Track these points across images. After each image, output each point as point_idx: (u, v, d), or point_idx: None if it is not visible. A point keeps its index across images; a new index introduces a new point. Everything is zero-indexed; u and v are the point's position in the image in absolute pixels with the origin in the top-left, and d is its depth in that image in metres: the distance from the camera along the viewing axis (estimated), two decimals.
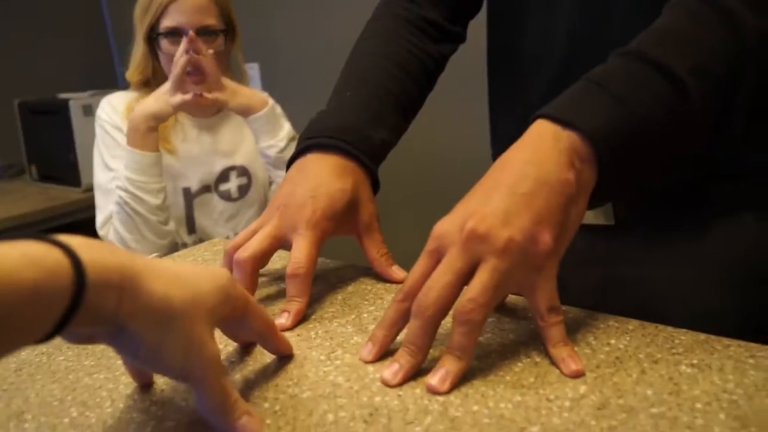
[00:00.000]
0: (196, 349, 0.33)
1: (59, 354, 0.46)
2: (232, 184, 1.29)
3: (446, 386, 0.38)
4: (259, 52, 2.10)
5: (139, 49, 1.23)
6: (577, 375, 0.38)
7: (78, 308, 0.27)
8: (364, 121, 0.58)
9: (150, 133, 1.12)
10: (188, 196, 1.25)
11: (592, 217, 0.58)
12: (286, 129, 1.23)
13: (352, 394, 0.38)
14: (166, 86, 1.13)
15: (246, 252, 0.51)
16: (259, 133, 1.20)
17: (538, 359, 0.41)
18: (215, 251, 0.69)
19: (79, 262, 0.27)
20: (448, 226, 0.42)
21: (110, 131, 1.22)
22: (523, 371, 0.39)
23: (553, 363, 0.40)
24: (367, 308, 0.50)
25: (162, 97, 1.12)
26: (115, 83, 2.62)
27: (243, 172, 1.30)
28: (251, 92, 1.21)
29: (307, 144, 0.57)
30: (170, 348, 0.32)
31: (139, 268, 0.31)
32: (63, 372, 0.44)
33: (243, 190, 1.30)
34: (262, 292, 0.55)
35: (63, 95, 2.09)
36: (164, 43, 1.18)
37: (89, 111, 2.03)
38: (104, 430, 0.36)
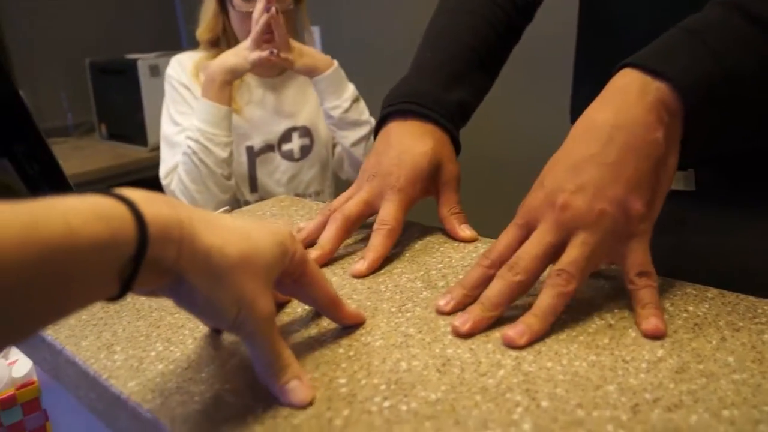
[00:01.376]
0: (247, 303, 0.33)
1: None
2: (295, 145, 1.31)
3: (523, 340, 0.38)
4: (321, 15, 2.10)
5: (209, 8, 1.25)
6: (657, 332, 0.38)
7: (142, 262, 0.28)
8: (440, 84, 0.59)
9: (225, 87, 1.15)
10: (251, 154, 1.28)
11: (673, 182, 0.56)
12: (350, 90, 1.24)
13: (424, 345, 0.39)
14: (246, 43, 1.15)
15: (342, 212, 0.53)
16: (324, 93, 1.21)
17: (612, 322, 0.40)
18: (282, 206, 0.70)
19: (142, 218, 0.28)
20: (538, 201, 0.42)
21: (177, 88, 1.26)
22: (597, 333, 0.39)
23: (636, 323, 0.39)
24: (436, 266, 0.51)
25: (241, 53, 1.15)
26: (180, 45, 2.68)
27: (305, 132, 1.31)
28: (316, 53, 1.22)
29: (387, 111, 0.59)
30: (223, 301, 0.32)
31: (197, 222, 0.31)
32: (147, 310, 0.46)
33: (305, 150, 1.32)
34: (346, 249, 0.56)
35: (131, 56, 2.15)
36: (237, 1, 1.20)
37: (156, 71, 2.09)
38: (188, 364, 0.38)
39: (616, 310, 0.41)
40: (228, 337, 0.41)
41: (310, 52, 1.21)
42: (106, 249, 0.26)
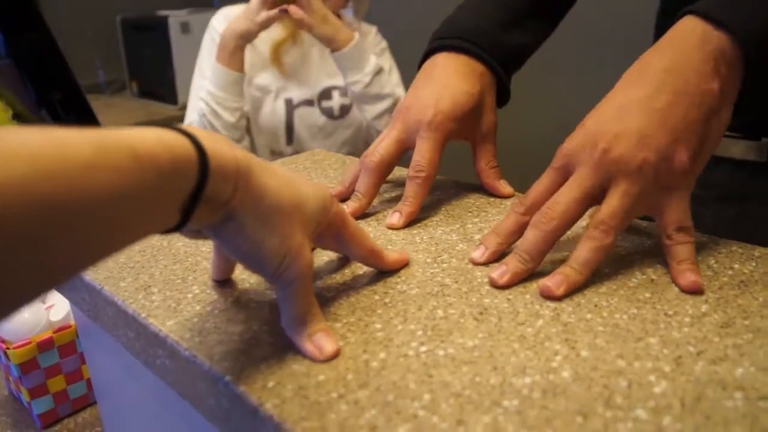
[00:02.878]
0: (293, 252, 0.32)
1: (177, 240, 0.49)
2: (335, 103, 1.31)
3: (561, 291, 0.37)
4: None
5: None
6: (696, 288, 0.37)
7: (202, 193, 0.28)
8: (499, 23, 0.56)
9: (237, 52, 1.15)
10: (289, 106, 1.29)
11: (742, 152, 0.54)
12: (371, 64, 1.21)
13: (460, 294, 0.38)
14: (254, 3, 1.13)
15: (373, 157, 0.52)
16: (344, 69, 1.20)
17: (654, 277, 0.39)
18: (315, 160, 0.70)
19: (204, 150, 0.28)
20: (578, 145, 0.40)
21: (217, 39, 1.24)
22: (638, 287, 0.38)
23: (672, 279, 0.38)
24: (471, 219, 0.50)
25: (249, 15, 1.13)
26: (211, 2, 2.66)
27: (345, 92, 1.31)
28: (341, 25, 1.18)
29: (437, 44, 0.56)
30: (270, 245, 0.32)
31: (253, 163, 0.31)
32: (183, 255, 0.46)
33: (344, 109, 1.32)
34: (379, 197, 0.56)
35: (162, 12, 2.14)
36: None
37: (186, 28, 2.08)
38: (226, 306, 0.38)
39: (657, 266, 0.40)
40: (265, 284, 0.41)
41: (334, 21, 1.16)
42: (170, 178, 0.26)
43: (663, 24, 0.65)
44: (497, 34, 0.55)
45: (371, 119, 1.26)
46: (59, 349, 0.66)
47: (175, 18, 2.07)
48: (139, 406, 0.54)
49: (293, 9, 1.12)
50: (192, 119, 1.24)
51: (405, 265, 0.42)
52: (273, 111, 1.27)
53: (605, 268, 0.40)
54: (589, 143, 0.39)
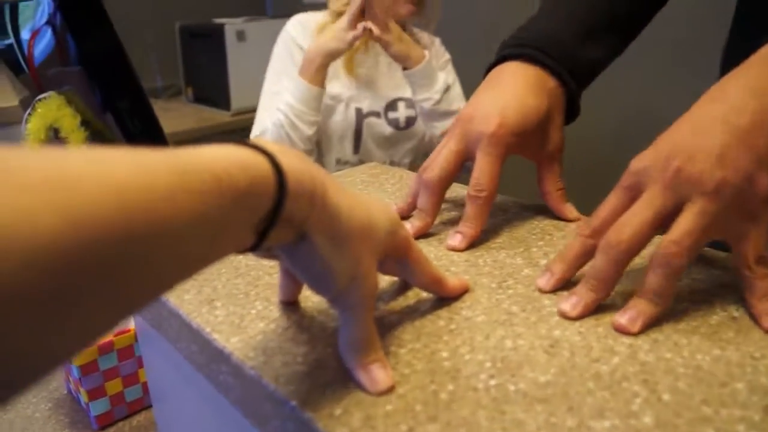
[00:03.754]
0: (361, 275, 0.32)
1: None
2: (401, 114, 1.33)
3: (637, 327, 0.35)
4: None
5: None
6: None
7: (280, 214, 0.27)
8: (576, 36, 0.53)
9: (322, 69, 1.18)
10: (359, 115, 1.31)
11: None
12: (440, 81, 1.24)
13: (529, 324, 0.37)
14: (343, 23, 1.17)
15: (432, 172, 0.50)
16: (415, 86, 1.24)
17: (736, 314, 0.37)
18: (372, 174, 0.70)
19: (281, 169, 0.27)
20: (649, 162, 0.38)
21: (291, 47, 1.28)
22: (721, 325, 0.36)
23: (754, 318, 0.36)
24: (536, 243, 0.49)
25: (339, 35, 1.17)
26: (265, 11, 2.71)
27: (411, 104, 1.33)
28: (413, 43, 1.22)
29: (507, 52, 0.53)
30: (340, 267, 0.31)
31: (327, 181, 0.31)
32: (245, 269, 0.46)
33: (410, 121, 1.34)
34: (441, 216, 0.55)
35: (219, 20, 2.19)
36: None
37: (242, 36, 2.12)
38: (289, 324, 0.38)
39: (740, 302, 0.38)
40: (323, 302, 0.41)
41: (408, 40, 1.21)
42: (247, 198, 0.26)
43: (728, 58, 0.62)
44: (572, 46, 0.53)
45: (439, 135, 1.28)
46: (118, 353, 0.67)
47: (231, 26, 2.11)
48: (194, 413, 0.54)
49: (374, 28, 1.16)
50: (265, 127, 1.26)
51: (466, 292, 0.41)
52: (344, 119, 1.30)
53: (682, 303, 0.38)
54: (661, 161, 0.37)
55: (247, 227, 0.27)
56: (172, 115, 2.38)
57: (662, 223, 0.37)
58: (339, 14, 1.27)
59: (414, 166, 1.37)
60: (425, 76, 1.22)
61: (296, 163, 0.29)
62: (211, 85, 2.27)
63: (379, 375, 0.32)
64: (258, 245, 0.28)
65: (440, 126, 1.28)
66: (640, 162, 0.39)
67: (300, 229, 0.29)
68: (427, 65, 1.21)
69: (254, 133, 1.29)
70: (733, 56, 0.61)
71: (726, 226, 0.37)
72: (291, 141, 1.21)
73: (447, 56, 1.36)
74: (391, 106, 1.33)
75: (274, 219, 0.27)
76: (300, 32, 1.29)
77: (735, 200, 0.36)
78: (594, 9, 0.55)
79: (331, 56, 1.18)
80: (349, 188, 0.34)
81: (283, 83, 1.26)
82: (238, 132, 2.24)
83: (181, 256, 0.23)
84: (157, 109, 2.25)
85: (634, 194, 0.38)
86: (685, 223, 0.36)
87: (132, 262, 0.20)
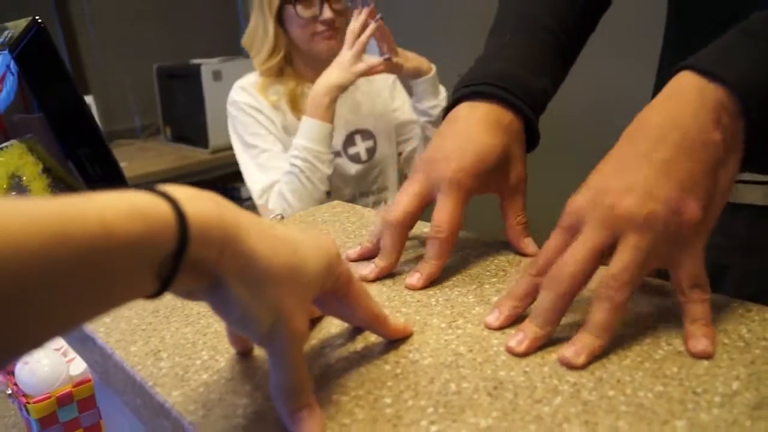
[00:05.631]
0: (284, 319, 0.31)
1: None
2: (360, 147, 1.33)
3: (581, 360, 0.35)
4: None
5: (268, 32, 1.25)
6: (705, 356, 0.35)
7: (182, 260, 0.27)
8: (524, 69, 0.54)
9: (332, 104, 1.17)
10: None
11: (760, 198, 0.52)
12: (443, 90, 1.28)
13: (475, 366, 0.37)
14: (347, 56, 1.16)
15: (392, 214, 0.50)
16: (425, 94, 1.25)
17: (681, 348, 0.37)
18: (334, 213, 0.70)
19: (183, 215, 0.27)
20: (583, 202, 0.39)
21: (248, 111, 1.26)
22: (665, 360, 0.36)
23: (684, 341, 0.37)
24: (489, 279, 0.49)
25: (344, 67, 1.16)
26: (240, 51, 2.74)
27: (368, 135, 1.34)
28: (415, 55, 1.24)
29: (461, 93, 0.54)
30: (259, 312, 0.30)
31: (244, 224, 0.30)
32: (195, 317, 0.46)
33: (370, 152, 1.34)
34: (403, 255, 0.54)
35: (195, 61, 2.21)
36: (299, 9, 1.21)
37: (218, 76, 2.14)
38: (232, 375, 0.37)
39: None
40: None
41: (411, 55, 1.23)
42: (142, 246, 0.25)
43: (661, 78, 0.63)
44: (524, 77, 0.54)
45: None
46: (78, 404, 0.66)
47: (207, 66, 2.13)
48: None
49: (390, 54, 1.17)
50: (271, 182, 1.22)
51: (408, 335, 0.40)
52: None
53: (628, 337, 0.38)
54: (595, 201, 0.38)
55: (146, 273, 0.26)
56: (151, 155, 2.38)
57: (601, 257, 0.38)
58: (274, 73, 1.28)
59: (387, 193, 1.38)
60: (434, 84, 1.25)
61: (205, 208, 0.28)
62: (189, 124, 2.28)
63: (306, 423, 0.31)
64: (162, 291, 0.28)
65: None
66: (575, 203, 0.40)
67: (212, 274, 0.29)
68: (434, 73, 1.24)
69: (256, 194, 1.24)
70: (668, 63, 0.62)
71: (661, 256, 0.37)
72: (312, 185, 1.17)
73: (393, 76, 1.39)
74: (348, 141, 1.32)
75: (177, 265, 0.27)
76: (245, 95, 1.28)
77: (665, 230, 0.37)
78: (542, 38, 0.56)
79: (339, 89, 1.16)
80: (283, 228, 0.34)
81: (265, 144, 1.25)
82: (217, 168, 2.25)
83: (71, 298, 0.24)
84: (136, 149, 2.29)
85: (573, 233, 0.39)
86: (621, 259, 0.37)
87: (17, 299, 0.21)
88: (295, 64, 1.30)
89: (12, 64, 0.71)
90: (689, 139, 0.37)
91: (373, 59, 1.18)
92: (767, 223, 0.54)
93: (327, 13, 1.23)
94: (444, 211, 0.49)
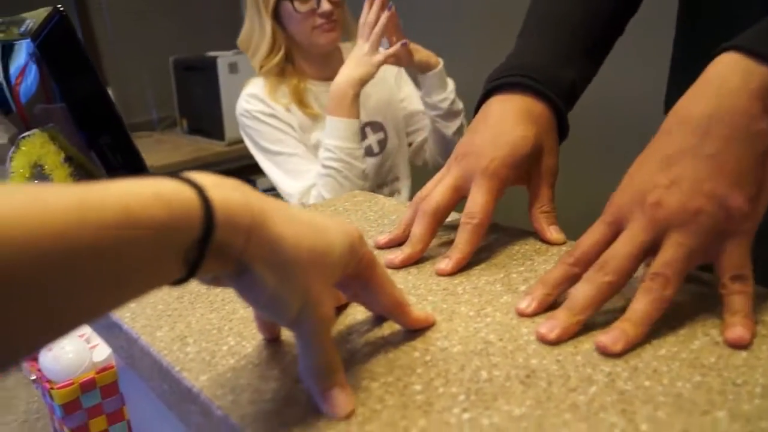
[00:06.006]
0: (311, 303, 0.31)
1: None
2: (372, 140, 1.31)
3: (619, 347, 0.35)
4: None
5: (265, 30, 1.22)
6: (740, 343, 0.35)
7: (208, 246, 0.27)
8: (554, 60, 0.54)
9: (356, 99, 1.14)
10: None
11: None
12: (452, 82, 1.25)
13: (506, 354, 0.36)
14: (364, 49, 1.13)
15: (430, 203, 0.50)
16: (433, 87, 1.23)
17: (718, 339, 0.36)
18: (355, 202, 0.69)
19: (209, 202, 0.27)
20: (627, 199, 0.39)
21: (266, 120, 1.24)
22: (702, 350, 0.35)
23: (723, 329, 0.36)
24: (517, 268, 0.48)
25: (364, 60, 1.13)
26: None
27: (378, 127, 1.32)
28: (423, 48, 1.22)
29: (492, 86, 0.54)
30: (287, 297, 0.30)
31: (270, 210, 0.30)
32: (220, 303, 0.45)
33: (382, 144, 1.32)
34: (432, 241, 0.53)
35: (211, 53, 2.21)
36: (296, 4, 1.19)
37: (234, 68, 2.14)
38: (260, 360, 0.37)
39: (722, 326, 0.37)
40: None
41: (419, 47, 1.20)
42: (167, 233, 0.25)
43: (673, 96, 0.63)
44: (554, 69, 0.54)
45: (451, 135, 1.27)
46: (101, 390, 0.66)
47: (223, 59, 2.13)
48: None
49: (404, 40, 1.15)
50: (300, 189, 1.19)
51: (430, 326, 0.40)
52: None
53: (664, 328, 0.37)
54: (639, 198, 0.38)
55: (172, 259, 0.26)
56: (167, 147, 2.39)
57: (646, 255, 0.37)
58: (275, 74, 1.25)
59: (399, 183, 1.36)
60: (441, 77, 1.23)
61: (231, 195, 0.28)
62: (205, 116, 2.28)
63: (338, 400, 0.31)
64: (189, 277, 0.27)
65: (453, 125, 1.27)
66: (620, 198, 0.39)
67: (239, 260, 0.29)
68: (442, 66, 1.22)
69: (296, 198, 1.21)
70: (680, 61, 0.61)
71: (707, 250, 0.37)
72: (350, 182, 1.14)
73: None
74: (361, 134, 1.27)
75: (203, 251, 0.27)
76: (256, 103, 1.24)
77: (712, 226, 0.36)
78: (569, 36, 0.56)
79: (361, 84, 1.13)
80: (307, 212, 0.33)
81: (289, 149, 1.23)
82: (234, 160, 2.25)
83: (94, 286, 0.23)
84: (153, 141, 2.30)
85: (616, 228, 0.39)
86: (667, 254, 0.36)
87: (40, 289, 0.21)
88: (296, 61, 1.28)
89: (34, 52, 0.71)
90: (736, 130, 0.36)
91: (389, 49, 1.16)
92: None
93: (325, 6, 1.20)
94: (478, 199, 0.49)
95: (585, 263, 0.39)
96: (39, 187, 0.22)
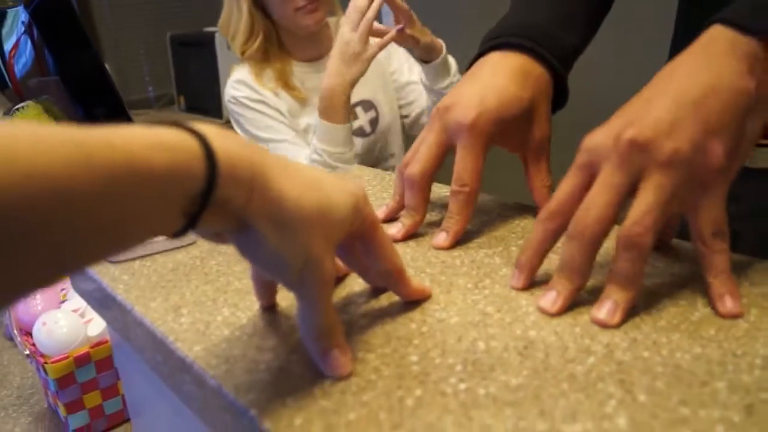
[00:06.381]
0: (314, 260, 0.30)
1: (210, 258, 0.48)
2: (363, 120, 1.27)
3: (616, 319, 0.34)
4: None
5: (242, 13, 1.17)
6: (734, 316, 0.34)
7: (210, 199, 0.26)
8: (556, 21, 0.52)
9: (348, 102, 1.06)
10: None
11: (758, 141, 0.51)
12: (454, 63, 1.17)
13: (504, 325, 0.36)
14: (352, 43, 1.01)
15: (414, 167, 0.48)
16: (438, 75, 1.14)
17: None
18: (353, 176, 0.68)
19: (212, 152, 0.26)
20: (602, 137, 0.37)
21: (255, 106, 1.21)
22: (702, 322, 0.35)
23: (710, 298, 0.36)
24: (516, 241, 0.47)
25: (353, 58, 1.01)
26: None
27: (369, 106, 1.28)
28: (427, 30, 1.10)
29: (489, 45, 0.52)
30: (289, 255, 0.29)
31: (272, 166, 0.29)
32: (214, 275, 0.45)
33: (374, 123, 1.28)
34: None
35: (209, 29, 2.19)
36: None
37: None
38: (254, 331, 0.37)
39: None
40: (293, 307, 0.39)
41: (425, 29, 1.08)
42: (168, 180, 0.25)
43: (678, 39, 0.61)
44: (554, 32, 0.52)
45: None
46: (96, 365, 0.66)
47: (221, 34, 2.10)
48: (170, 427, 0.53)
49: (404, 24, 1.03)
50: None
51: (427, 298, 0.39)
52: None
53: (663, 299, 0.37)
54: (613, 134, 0.36)
55: (172, 208, 0.26)
56: None
57: (625, 198, 0.36)
58: (249, 56, 1.20)
59: (396, 159, 1.33)
60: (445, 62, 1.13)
61: (233, 148, 0.27)
62: (203, 93, 2.26)
63: (337, 361, 0.31)
64: (187, 228, 0.27)
65: None
66: (593, 139, 0.37)
67: (240, 215, 0.28)
68: (446, 54, 1.12)
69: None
70: (681, 40, 0.60)
71: (683, 198, 0.36)
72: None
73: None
74: (352, 115, 1.24)
75: (205, 203, 0.26)
76: (243, 89, 1.21)
77: (690, 171, 0.35)
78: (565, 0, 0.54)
79: (353, 84, 1.04)
80: (310, 169, 0.33)
81: (279, 135, 1.19)
82: None
83: (92, 228, 0.23)
84: (150, 119, 2.29)
85: (590, 172, 0.37)
86: (643, 201, 0.35)
87: (34, 229, 0.21)
88: (283, 42, 1.23)
89: (27, 20, 0.70)
90: (722, 82, 0.36)
91: (384, 38, 1.04)
92: None
93: None
94: (465, 163, 0.47)
95: (562, 215, 0.38)
96: (38, 125, 0.21)
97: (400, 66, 1.32)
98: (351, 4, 1.01)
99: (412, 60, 1.29)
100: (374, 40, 1.05)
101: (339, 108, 1.05)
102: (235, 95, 1.22)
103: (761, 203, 0.56)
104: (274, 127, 1.21)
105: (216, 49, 2.11)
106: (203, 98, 2.27)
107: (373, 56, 1.02)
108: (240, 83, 1.22)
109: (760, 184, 0.56)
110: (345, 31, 1.01)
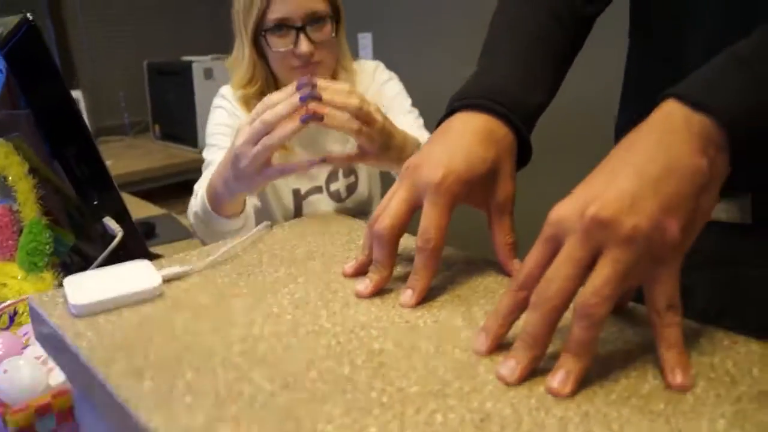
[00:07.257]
0: None
1: (177, 312, 0.48)
2: (341, 185, 1.22)
3: (568, 388, 0.35)
4: (372, 21, 2.09)
5: (245, 57, 1.14)
6: (682, 389, 0.36)
7: None
8: (520, 81, 0.54)
9: (238, 205, 0.92)
10: (297, 197, 1.21)
11: (726, 214, 0.53)
12: (410, 138, 0.86)
13: (462, 396, 0.36)
14: (244, 166, 0.73)
15: (383, 222, 0.49)
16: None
17: None
18: (324, 222, 0.69)
19: None
20: (567, 212, 0.38)
21: (218, 110, 1.19)
22: (652, 395, 0.36)
23: (662, 369, 0.37)
24: (478, 301, 0.48)
25: (243, 175, 0.75)
26: (232, 49, 2.72)
27: (349, 170, 1.23)
28: (401, 133, 0.80)
29: (455, 105, 0.54)
30: None
31: None
32: (180, 330, 0.45)
33: (351, 189, 1.24)
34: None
35: (186, 58, 2.20)
36: (273, 41, 1.10)
37: (209, 74, 2.13)
38: (216, 401, 0.37)
39: None
40: (258, 372, 0.40)
41: (396, 131, 0.78)
42: None
43: (622, 125, 0.65)
44: (518, 93, 0.54)
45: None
46: (56, 415, 0.65)
47: (198, 64, 2.12)
48: None
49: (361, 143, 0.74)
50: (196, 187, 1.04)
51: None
52: (280, 203, 1.19)
53: (616, 369, 0.38)
54: (578, 209, 0.38)
55: None
56: (139, 153, 2.36)
57: (586, 272, 0.37)
58: (242, 96, 1.17)
59: (372, 206, 1.28)
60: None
61: None
62: (179, 122, 2.26)
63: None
64: None
65: None
66: (558, 211, 0.39)
67: None
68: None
69: (196, 193, 0.99)
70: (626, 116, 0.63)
71: (640, 272, 0.37)
72: (214, 233, 0.94)
73: (388, 75, 1.25)
74: (332, 176, 1.20)
75: None
76: (222, 101, 1.20)
77: (647, 246, 0.36)
78: (531, 55, 0.57)
79: (242, 198, 0.91)
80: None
81: (222, 143, 1.13)
82: None
83: None
84: (124, 147, 2.27)
85: (555, 245, 0.39)
86: (602, 273, 0.36)
87: None
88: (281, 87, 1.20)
89: (1, 62, 0.70)
90: (679, 162, 0.38)
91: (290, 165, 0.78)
92: (731, 238, 0.55)
93: (303, 47, 1.07)
94: (431, 219, 0.48)
95: (530, 286, 0.39)
96: None
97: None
98: (259, 105, 0.71)
99: (410, 117, 1.20)
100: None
101: (224, 205, 0.88)
102: (214, 103, 1.21)
103: (715, 254, 0.58)
104: (224, 138, 1.14)
105: (193, 79, 2.11)
106: (179, 126, 2.27)
107: (271, 179, 0.80)
108: (222, 97, 1.20)
109: (715, 236, 0.58)
110: (238, 140, 0.72)
